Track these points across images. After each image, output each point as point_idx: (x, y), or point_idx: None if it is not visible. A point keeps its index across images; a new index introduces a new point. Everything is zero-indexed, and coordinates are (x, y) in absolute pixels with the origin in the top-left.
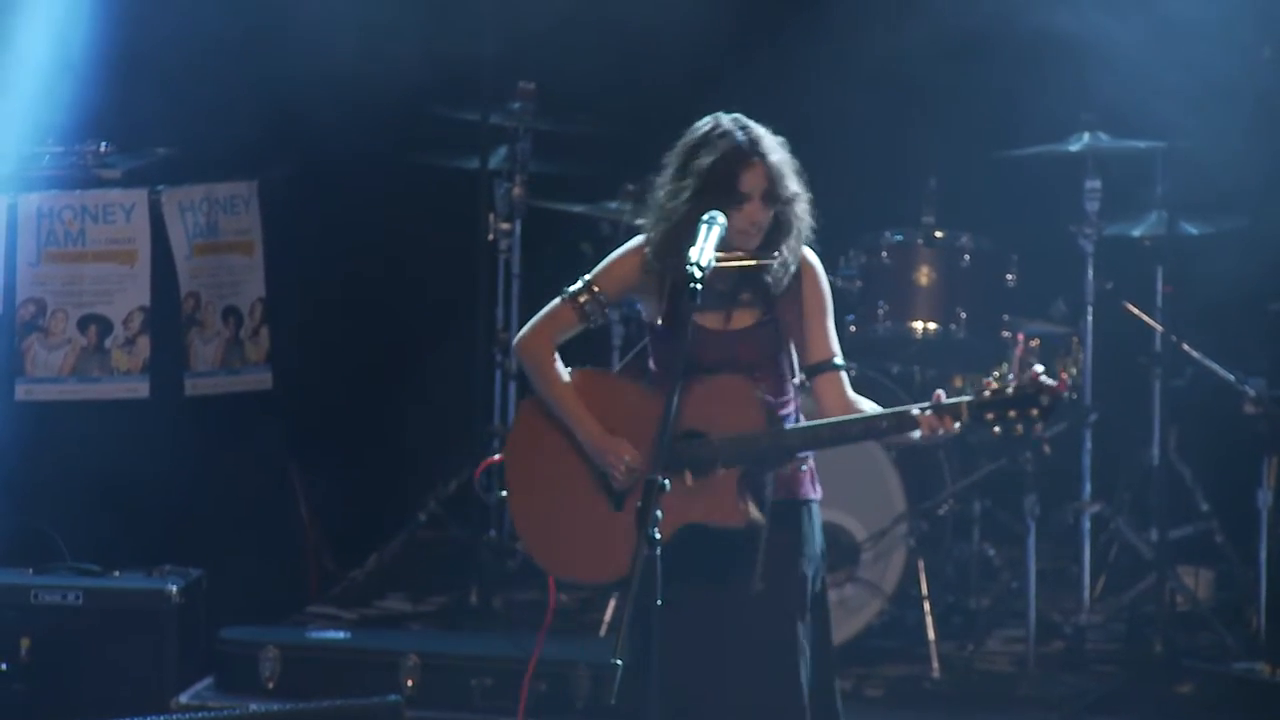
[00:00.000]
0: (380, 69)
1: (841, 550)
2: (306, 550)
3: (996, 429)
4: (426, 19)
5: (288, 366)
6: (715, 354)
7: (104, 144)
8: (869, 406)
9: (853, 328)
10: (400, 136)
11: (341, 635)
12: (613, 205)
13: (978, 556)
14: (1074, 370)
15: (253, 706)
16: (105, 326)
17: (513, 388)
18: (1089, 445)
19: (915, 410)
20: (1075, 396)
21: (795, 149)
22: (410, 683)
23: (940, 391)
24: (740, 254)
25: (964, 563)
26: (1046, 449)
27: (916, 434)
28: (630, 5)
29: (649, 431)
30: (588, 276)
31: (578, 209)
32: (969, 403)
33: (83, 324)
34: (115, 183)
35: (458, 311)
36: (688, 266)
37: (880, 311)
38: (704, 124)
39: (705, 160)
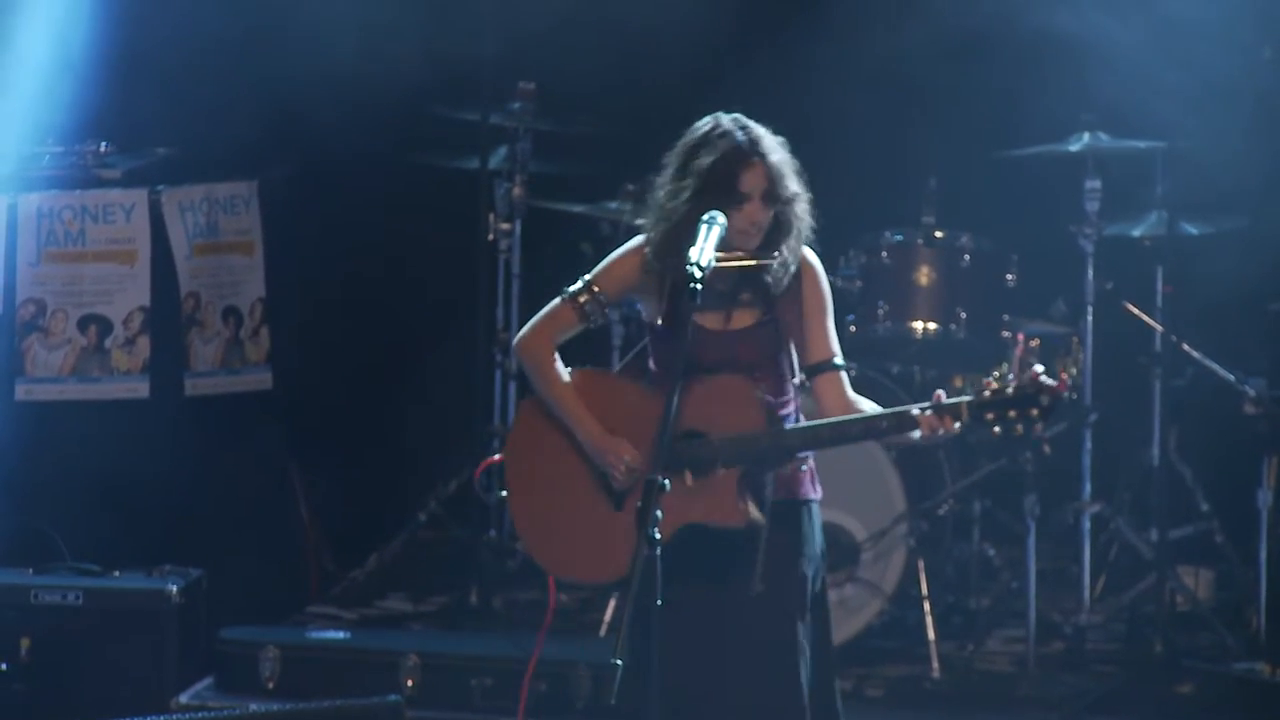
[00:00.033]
0: (380, 69)
1: (841, 550)
2: (306, 550)
3: (996, 429)
4: (426, 19)
5: (288, 366)
6: (715, 354)
7: (104, 144)
8: (869, 406)
9: (853, 328)
10: (400, 136)
11: (341, 635)
12: (613, 205)
13: (978, 556)
14: (1074, 370)
15: (253, 706)
16: (105, 326)
17: (513, 388)
18: (1089, 445)
19: (915, 410)
20: (1075, 396)
21: (795, 149)
22: (410, 683)
23: (940, 391)
24: (740, 254)
25: (964, 563)
26: (1046, 449)
27: (916, 434)
28: (630, 5)
29: (649, 431)
30: (588, 276)
31: (578, 209)
32: (969, 403)
33: (83, 324)
34: (115, 183)
35: (458, 311)
36: (688, 266)
37: (880, 311)
38: (704, 124)
39: (705, 160)
